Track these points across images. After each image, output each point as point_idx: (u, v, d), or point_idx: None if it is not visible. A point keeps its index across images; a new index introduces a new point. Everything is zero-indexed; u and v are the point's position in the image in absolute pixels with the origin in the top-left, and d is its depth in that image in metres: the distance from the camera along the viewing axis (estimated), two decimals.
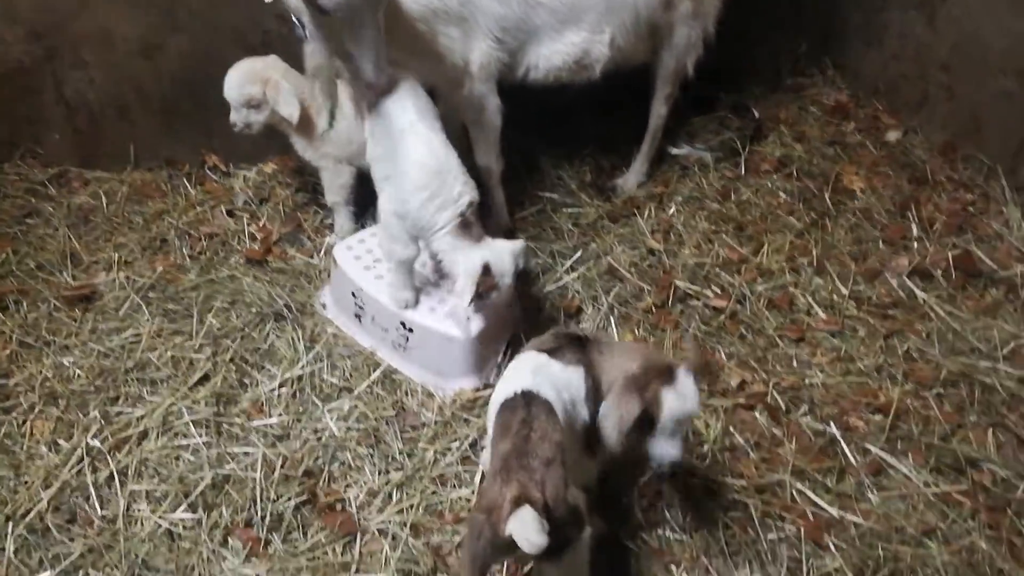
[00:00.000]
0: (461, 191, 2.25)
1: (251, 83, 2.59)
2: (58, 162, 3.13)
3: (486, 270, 2.20)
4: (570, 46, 2.66)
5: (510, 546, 1.52)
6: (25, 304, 2.62)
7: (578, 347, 1.86)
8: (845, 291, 2.75)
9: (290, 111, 2.59)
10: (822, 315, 2.68)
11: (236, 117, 2.64)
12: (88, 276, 2.74)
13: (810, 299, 2.73)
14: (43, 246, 2.85)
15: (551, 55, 2.67)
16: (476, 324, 2.41)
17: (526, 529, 1.50)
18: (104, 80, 3.00)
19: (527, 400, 1.71)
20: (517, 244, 2.29)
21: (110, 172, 3.16)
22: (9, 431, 2.26)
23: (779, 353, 2.56)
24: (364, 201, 2.89)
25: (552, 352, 1.83)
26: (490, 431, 1.81)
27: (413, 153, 2.23)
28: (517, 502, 1.53)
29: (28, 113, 3.03)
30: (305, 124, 2.71)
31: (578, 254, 2.88)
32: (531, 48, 2.64)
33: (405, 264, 2.38)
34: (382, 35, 2.10)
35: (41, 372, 2.40)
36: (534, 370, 1.79)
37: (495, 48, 2.54)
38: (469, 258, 2.21)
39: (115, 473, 2.15)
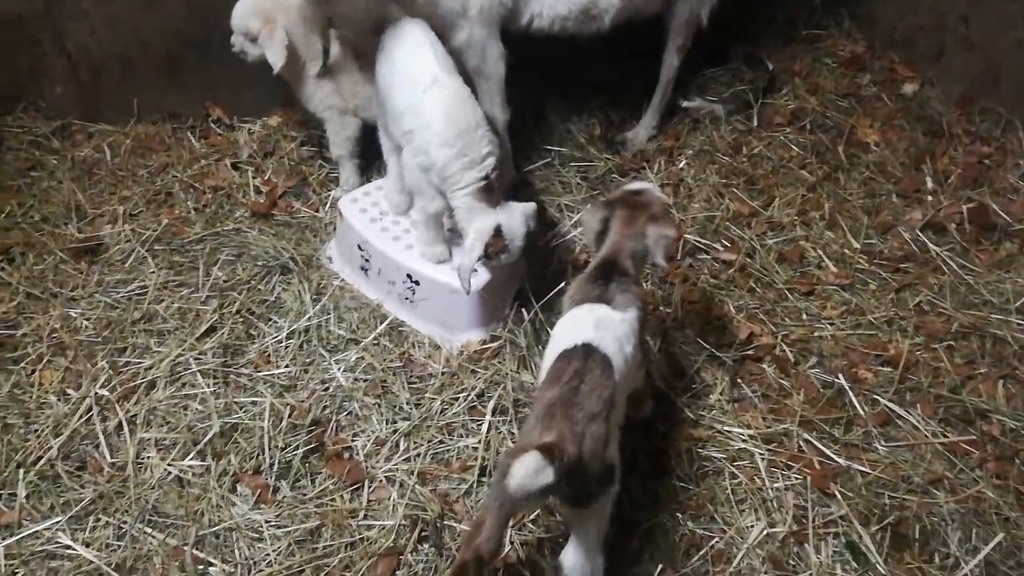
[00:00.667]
0: (488, 151, 2.22)
1: (253, 17, 2.57)
2: (61, 115, 3.10)
3: (497, 231, 2.19)
4: None
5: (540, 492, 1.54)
6: (31, 256, 2.61)
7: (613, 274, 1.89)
8: (857, 245, 2.71)
9: (275, 59, 2.56)
10: (833, 269, 2.65)
11: (234, 40, 2.65)
12: (93, 228, 2.73)
13: (821, 253, 2.69)
14: (48, 199, 2.84)
15: (555, 3, 2.59)
16: (482, 277, 2.39)
17: (522, 471, 1.51)
18: (106, 32, 2.95)
19: (586, 352, 1.73)
20: (529, 206, 2.27)
21: (114, 125, 3.13)
22: (18, 380, 2.27)
23: (788, 306, 2.54)
24: (370, 154, 2.86)
25: (605, 299, 1.85)
26: (540, 378, 1.82)
27: (441, 108, 2.18)
28: (545, 449, 1.54)
29: (30, 65, 2.99)
30: (296, 73, 2.68)
31: (586, 208, 2.85)
32: None
33: (435, 217, 2.35)
34: None
35: (48, 323, 2.41)
36: (596, 324, 1.79)
37: None
38: (483, 220, 2.20)
39: (124, 422, 2.17)
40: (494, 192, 2.24)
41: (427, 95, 2.19)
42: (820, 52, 3.54)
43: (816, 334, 2.46)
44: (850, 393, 2.27)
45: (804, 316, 2.51)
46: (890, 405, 2.25)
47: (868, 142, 3.11)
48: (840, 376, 2.32)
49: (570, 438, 1.59)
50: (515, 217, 2.23)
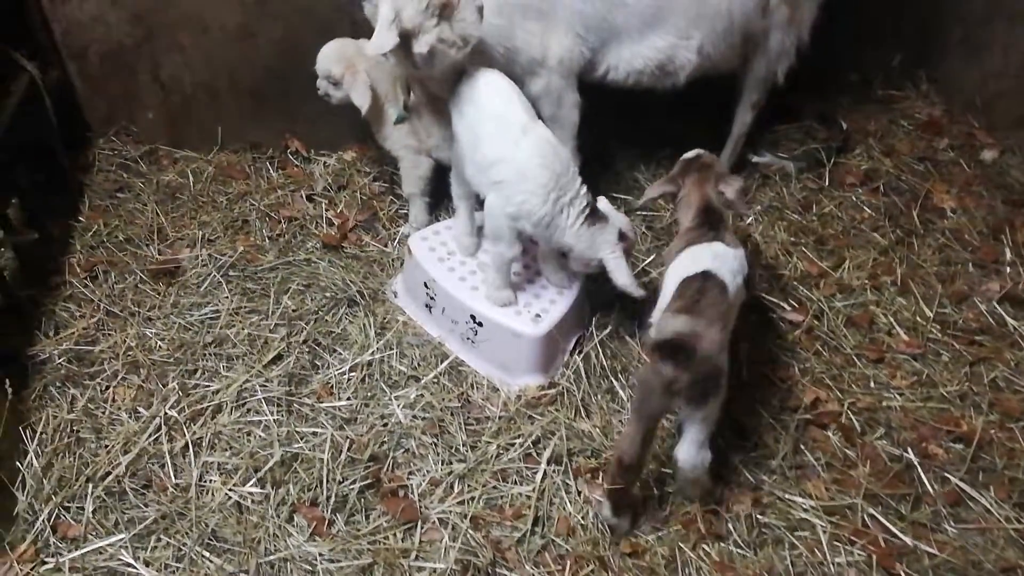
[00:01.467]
0: (581, 181, 2.28)
1: (336, 62, 2.66)
2: (150, 140, 3.25)
3: (621, 236, 2.29)
4: (653, 50, 2.62)
5: (668, 389, 1.88)
6: (113, 275, 2.72)
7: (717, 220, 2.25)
8: (930, 313, 2.64)
9: (361, 101, 2.65)
10: (904, 336, 2.58)
11: (319, 84, 2.74)
12: (173, 251, 2.84)
13: (892, 319, 2.63)
14: (132, 220, 2.96)
15: (632, 58, 2.63)
16: (546, 322, 2.40)
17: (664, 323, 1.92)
18: (198, 63, 3.09)
19: (705, 276, 2.04)
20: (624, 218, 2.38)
21: (198, 152, 3.26)
22: (93, 396, 2.35)
23: (856, 372, 2.48)
24: (439, 193, 2.92)
25: (719, 238, 2.18)
26: (662, 303, 2.11)
27: (537, 158, 2.22)
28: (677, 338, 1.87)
29: (125, 92, 3.15)
30: (376, 114, 2.76)
31: (651, 258, 2.85)
32: (612, 48, 2.60)
33: (509, 263, 2.40)
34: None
35: (125, 341, 2.49)
36: (714, 256, 2.11)
37: (576, 43, 2.52)
38: (606, 240, 2.26)
39: (190, 443, 2.22)
40: (597, 212, 2.29)
41: (520, 146, 2.22)
42: (896, 114, 3.50)
43: (884, 403, 2.39)
44: (919, 469, 2.20)
45: (872, 384, 2.45)
46: (961, 485, 2.17)
47: (944, 208, 3.04)
48: (909, 450, 2.24)
49: (694, 336, 1.87)
50: (621, 218, 2.33)
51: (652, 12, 2.54)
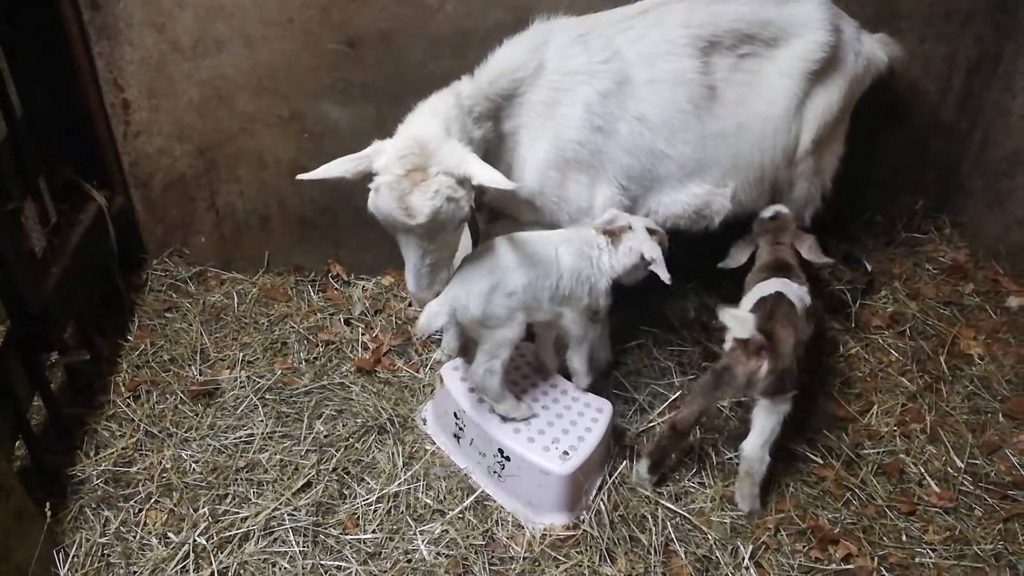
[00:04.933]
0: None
1: None
2: (201, 262, 3.42)
3: (651, 231, 2.56)
4: (692, 197, 2.76)
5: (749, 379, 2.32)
6: (155, 395, 2.82)
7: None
8: (961, 464, 2.62)
9: None
10: (935, 488, 2.55)
11: None
12: (214, 372, 2.94)
13: (922, 469, 2.61)
14: (178, 339, 3.08)
15: (672, 203, 2.77)
16: (574, 460, 2.42)
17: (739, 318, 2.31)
18: (253, 193, 3.30)
19: (778, 295, 2.49)
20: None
21: (244, 274, 3.42)
22: (125, 518, 2.39)
23: (888, 525, 2.44)
24: None
25: (788, 275, 2.64)
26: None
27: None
28: (764, 336, 2.29)
29: (182, 217, 3.35)
30: None
31: (677, 394, 2.88)
32: (653, 195, 2.75)
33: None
34: (432, 257, 2.29)
35: (161, 463, 2.56)
36: (783, 285, 2.54)
37: (618, 193, 2.66)
38: (636, 239, 2.53)
39: (216, 573, 2.24)
40: (616, 227, 2.58)
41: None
42: (921, 257, 3.56)
43: (917, 560, 2.34)
44: None
45: (904, 537, 2.41)
46: None
47: (972, 354, 3.06)
48: None
49: (775, 336, 2.31)
50: (639, 221, 2.60)
51: (692, 164, 2.70)
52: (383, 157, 2.19)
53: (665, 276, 2.48)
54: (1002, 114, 3.41)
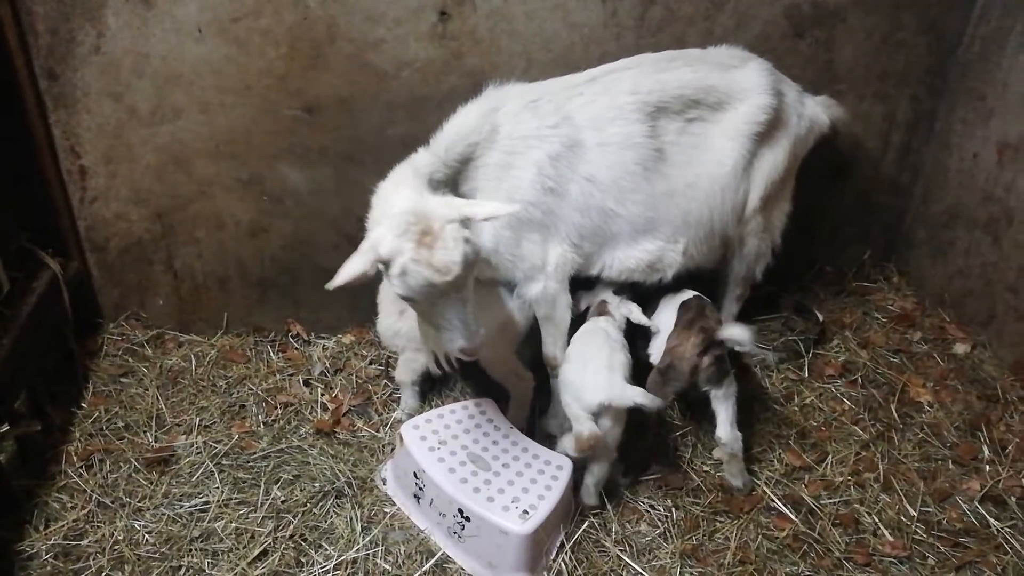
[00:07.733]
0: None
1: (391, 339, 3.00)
2: (158, 325, 3.40)
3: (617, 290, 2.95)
4: (644, 252, 2.83)
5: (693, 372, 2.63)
6: (108, 463, 2.76)
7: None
8: (913, 512, 2.66)
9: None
10: (889, 538, 2.59)
11: None
12: (169, 438, 2.90)
13: (876, 519, 2.65)
14: (133, 405, 3.04)
15: (625, 258, 2.83)
16: (534, 520, 2.42)
17: (740, 333, 2.58)
18: (211, 255, 3.30)
19: (697, 299, 2.83)
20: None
21: (202, 336, 3.40)
22: None
23: None
24: (433, 381, 3.02)
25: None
26: (667, 325, 2.78)
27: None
28: (704, 331, 2.64)
29: (139, 280, 3.33)
30: None
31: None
32: (607, 251, 2.81)
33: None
34: (471, 305, 2.29)
35: (113, 534, 2.50)
36: (692, 293, 2.88)
37: (571, 251, 2.72)
38: (624, 308, 2.91)
39: None
40: (598, 307, 2.95)
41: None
42: (870, 306, 3.67)
43: None
44: None
45: None
46: None
47: (921, 402, 3.13)
48: None
49: (711, 328, 2.64)
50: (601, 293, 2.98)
51: (643, 222, 2.78)
52: (386, 243, 2.18)
53: (644, 320, 2.85)
54: (940, 169, 3.57)
